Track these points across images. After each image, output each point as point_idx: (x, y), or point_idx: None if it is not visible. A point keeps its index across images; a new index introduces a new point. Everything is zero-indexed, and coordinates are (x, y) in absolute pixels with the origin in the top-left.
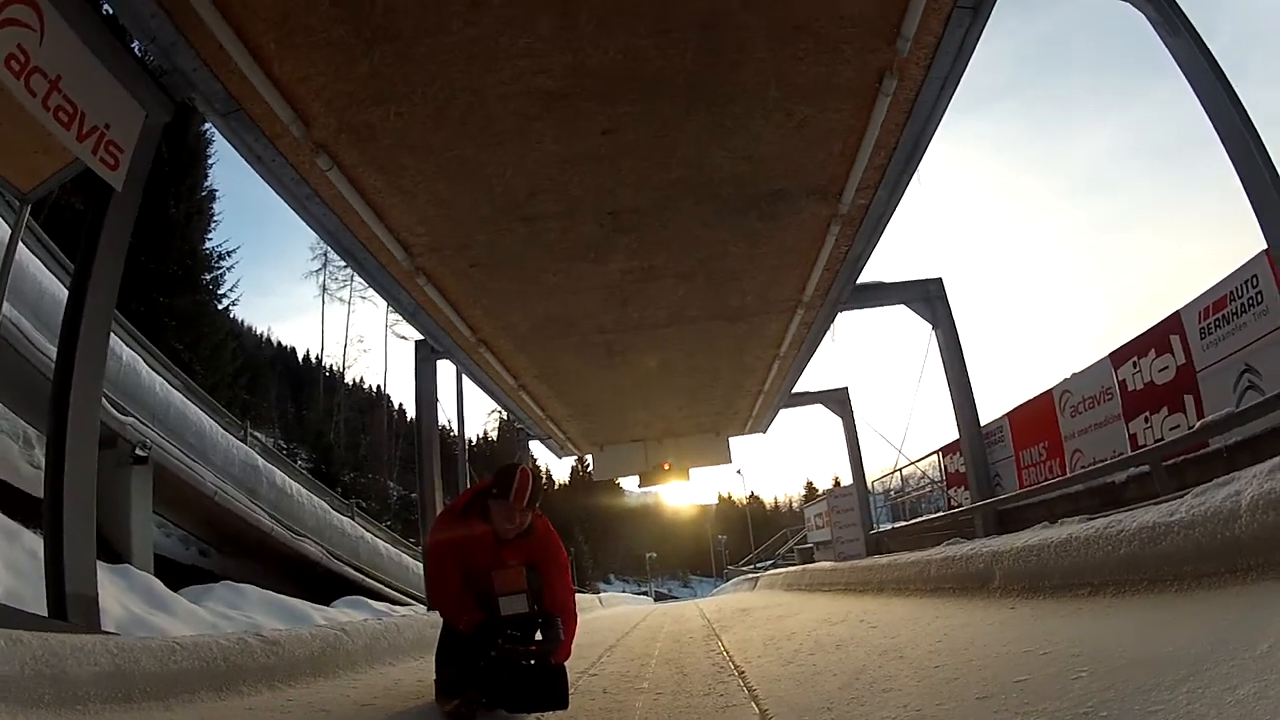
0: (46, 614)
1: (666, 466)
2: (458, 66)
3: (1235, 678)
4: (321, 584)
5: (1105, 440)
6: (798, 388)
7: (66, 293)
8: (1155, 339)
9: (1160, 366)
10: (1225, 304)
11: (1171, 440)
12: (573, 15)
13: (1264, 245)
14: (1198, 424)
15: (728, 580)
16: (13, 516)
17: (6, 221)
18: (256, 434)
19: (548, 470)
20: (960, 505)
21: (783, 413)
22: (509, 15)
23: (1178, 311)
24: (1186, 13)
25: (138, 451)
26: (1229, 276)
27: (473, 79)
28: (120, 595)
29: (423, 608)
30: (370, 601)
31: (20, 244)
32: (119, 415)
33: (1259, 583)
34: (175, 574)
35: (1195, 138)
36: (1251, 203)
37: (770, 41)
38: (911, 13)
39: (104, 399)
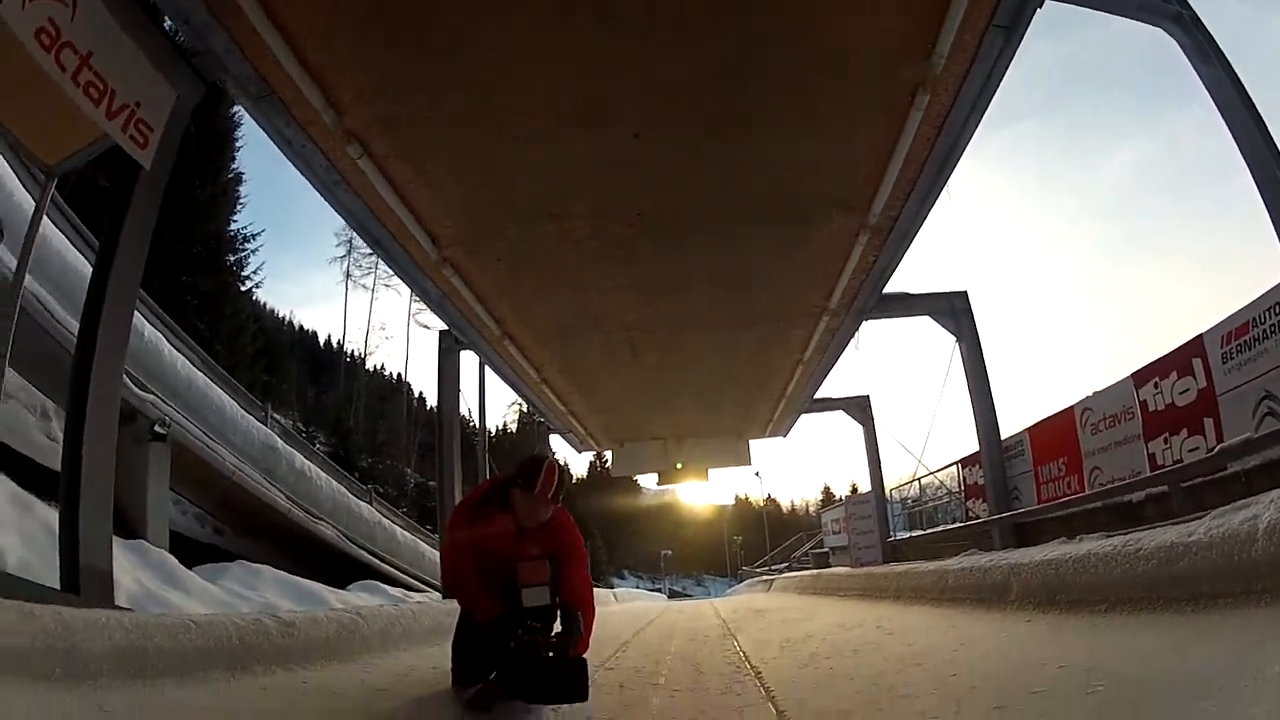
0: (60, 587)
1: (685, 466)
2: (494, 61)
3: (1250, 697)
4: (337, 567)
5: (1124, 459)
6: (819, 393)
7: (90, 269)
8: (1177, 361)
9: (1181, 389)
10: (1248, 330)
11: (1190, 463)
12: (614, 18)
13: None
14: (1216, 448)
15: (742, 581)
16: (27, 488)
17: (32, 195)
18: (276, 416)
19: (567, 463)
20: (978, 517)
21: (803, 417)
22: (548, 12)
23: (1200, 335)
24: (1218, 41)
25: (156, 429)
26: (1253, 302)
27: (507, 79)
28: (135, 571)
29: (437, 595)
30: (385, 587)
31: (45, 218)
32: (139, 392)
33: (1273, 605)
34: (191, 552)
35: (1218, 166)
36: (1277, 231)
37: (805, 53)
38: (946, 30)
39: (125, 375)
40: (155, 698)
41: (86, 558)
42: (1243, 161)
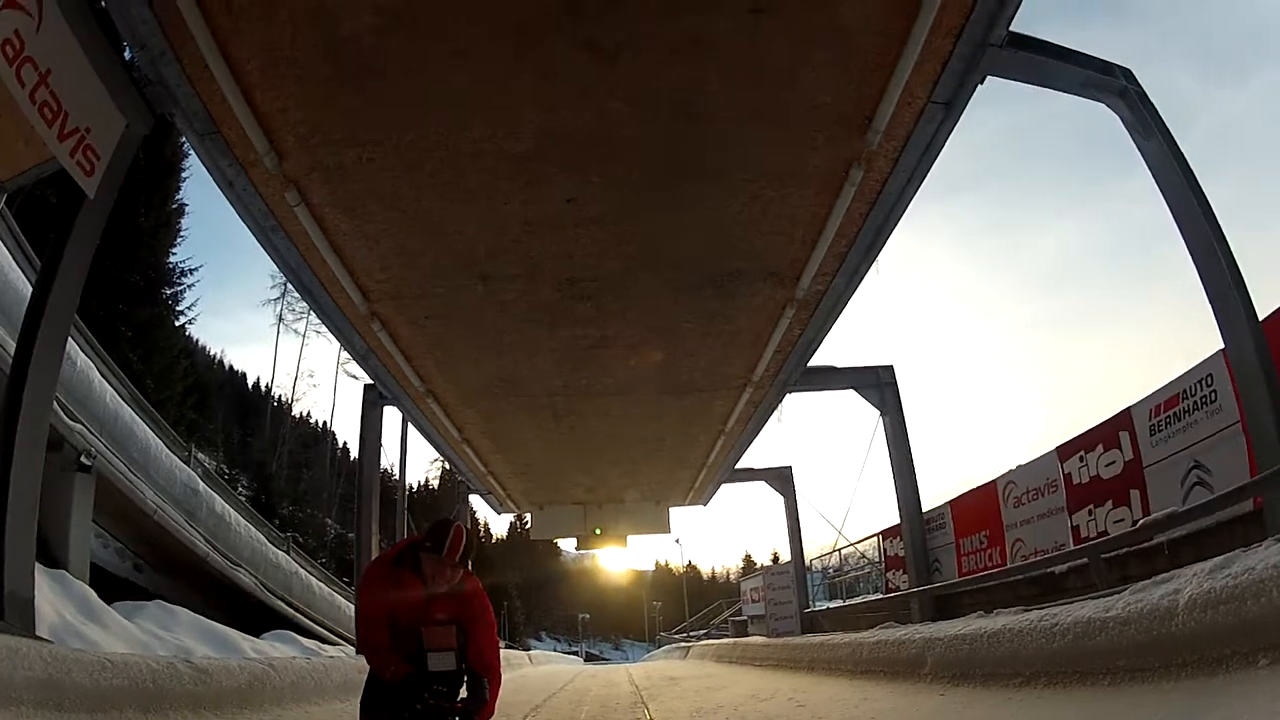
0: None
1: (604, 532)
2: (434, 118)
3: None
4: (253, 614)
5: (1047, 531)
6: (741, 463)
7: (30, 289)
8: (1104, 434)
9: (1107, 461)
10: (1177, 402)
11: (1111, 538)
12: (551, 79)
13: (1220, 345)
14: (1139, 522)
15: (659, 646)
16: None
17: None
18: (201, 456)
19: (486, 524)
20: (898, 589)
21: (725, 486)
22: (489, 71)
23: (1129, 408)
24: (1161, 115)
25: (83, 459)
26: (1183, 375)
27: (447, 132)
28: (55, 601)
29: (352, 648)
30: (300, 638)
31: None
32: (68, 420)
33: (1193, 679)
34: (109, 586)
35: (1151, 238)
36: (1212, 304)
37: (743, 125)
38: (885, 105)
39: (55, 402)
40: None
41: (10, 584)
42: (1180, 235)
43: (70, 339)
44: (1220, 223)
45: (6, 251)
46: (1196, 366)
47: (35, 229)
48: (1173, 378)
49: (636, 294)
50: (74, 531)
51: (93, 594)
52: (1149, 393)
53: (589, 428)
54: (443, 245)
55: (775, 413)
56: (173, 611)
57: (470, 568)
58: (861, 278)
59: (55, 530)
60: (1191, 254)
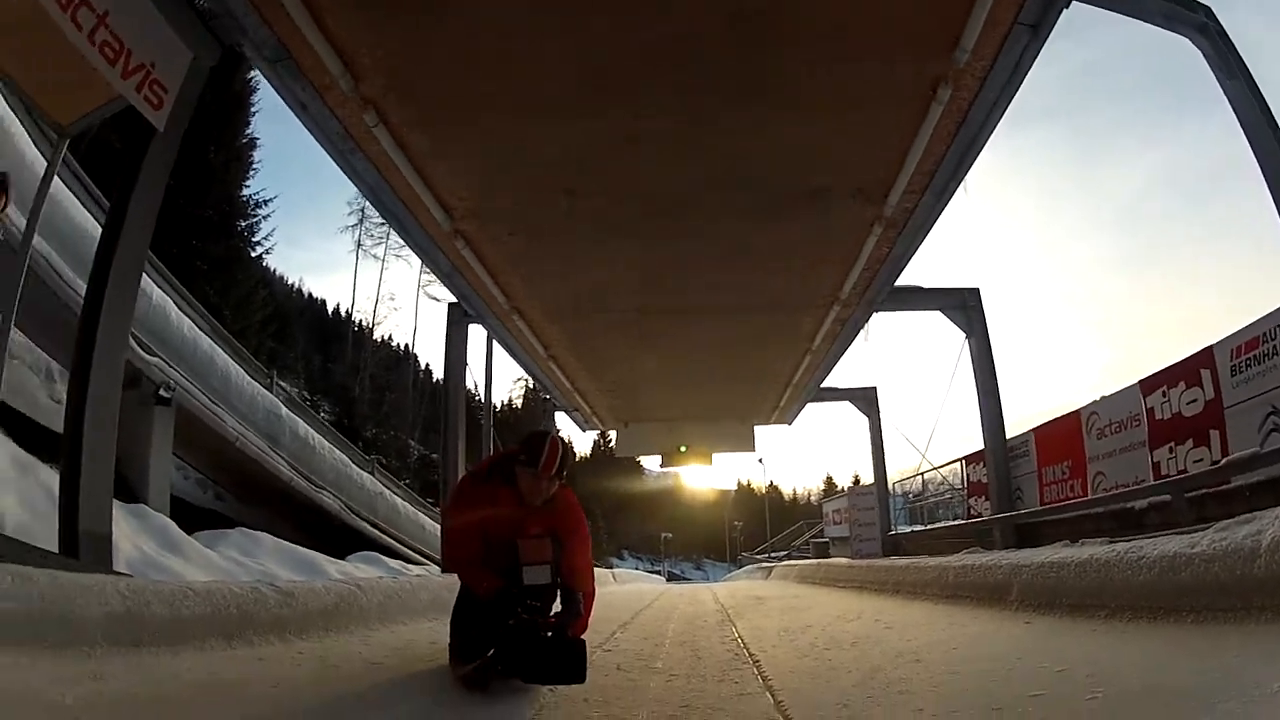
0: (58, 550)
1: (689, 449)
2: (513, 35)
3: (1249, 715)
4: (337, 537)
5: (1128, 466)
6: (826, 383)
7: (98, 229)
8: (1186, 371)
9: (1189, 399)
10: (1258, 344)
11: (1197, 474)
12: None
13: None
14: (1223, 460)
15: (741, 567)
16: (30, 450)
17: (45, 156)
18: (282, 383)
19: (570, 439)
20: (979, 515)
21: (809, 406)
22: None
23: (1210, 346)
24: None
25: (161, 392)
26: (1264, 317)
27: (527, 49)
28: (134, 536)
29: (437, 568)
30: (385, 558)
31: (56, 179)
32: (145, 355)
33: (1274, 623)
34: (190, 517)
35: (1238, 178)
36: None
37: (827, 40)
38: (971, 25)
39: (131, 338)
40: (151, 666)
41: (86, 522)
42: (1261, 175)
43: (145, 275)
44: None
45: (73, 196)
46: (1277, 309)
47: (102, 174)
48: (1255, 318)
49: (721, 210)
50: (154, 465)
51: (173, 525)
52: (1232, 331)
53: (674, 344)
54: (525, 162)
55: (862, 332)
56: (255, 538)
57: (565, 481)
58: (950, 197)
59: (135, 466)
60: (1273, 193)
